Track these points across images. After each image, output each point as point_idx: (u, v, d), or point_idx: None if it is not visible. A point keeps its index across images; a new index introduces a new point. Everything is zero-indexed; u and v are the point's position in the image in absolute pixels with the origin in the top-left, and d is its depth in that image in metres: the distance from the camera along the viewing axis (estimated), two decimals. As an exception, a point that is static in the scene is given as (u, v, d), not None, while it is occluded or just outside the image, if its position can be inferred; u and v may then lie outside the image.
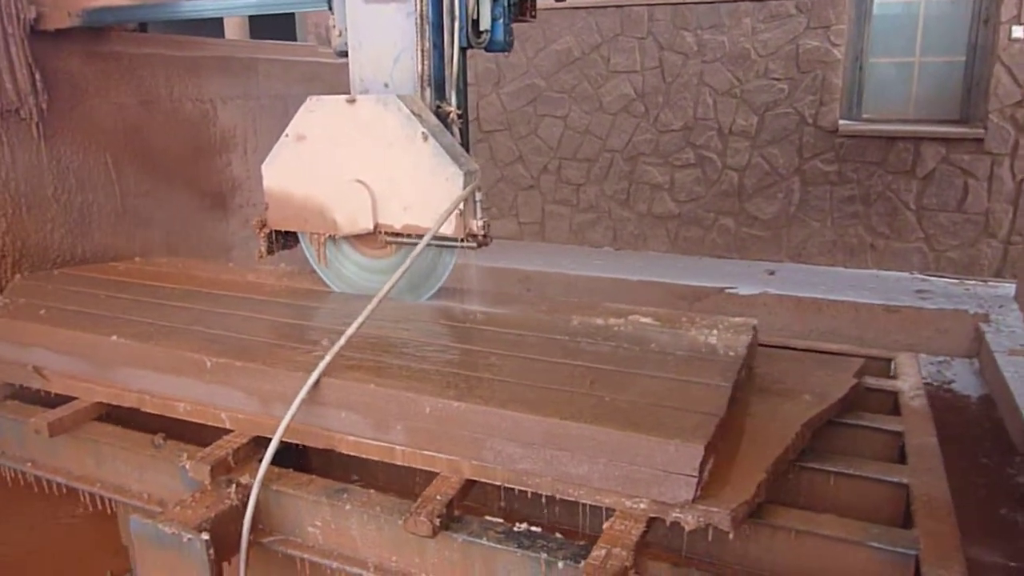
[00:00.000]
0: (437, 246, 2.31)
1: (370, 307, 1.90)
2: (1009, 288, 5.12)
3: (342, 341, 1.85)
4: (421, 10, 2.23)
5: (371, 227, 2.33)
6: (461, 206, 2.18)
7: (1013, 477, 3.23)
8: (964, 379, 4.37)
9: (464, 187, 2.17)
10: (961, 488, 3.21)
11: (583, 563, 1.41)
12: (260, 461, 1.91)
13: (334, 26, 2.49)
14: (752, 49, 5.75)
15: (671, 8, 5.90)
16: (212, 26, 6.57)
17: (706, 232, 6.15)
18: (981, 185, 5.36)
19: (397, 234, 2.33)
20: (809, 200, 5.79)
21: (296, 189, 2.44)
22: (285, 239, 2.60)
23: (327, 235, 2.46)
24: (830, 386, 2.10)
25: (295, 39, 7.20)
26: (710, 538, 1.56)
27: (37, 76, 3.34)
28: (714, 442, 1.54)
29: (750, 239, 6.02)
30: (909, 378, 2.42)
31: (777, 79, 5.72)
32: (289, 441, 1.89)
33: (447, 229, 2.19)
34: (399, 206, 2.29)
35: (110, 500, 2.12)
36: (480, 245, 2.25)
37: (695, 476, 1.47)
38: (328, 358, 1.81)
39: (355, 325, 1.88)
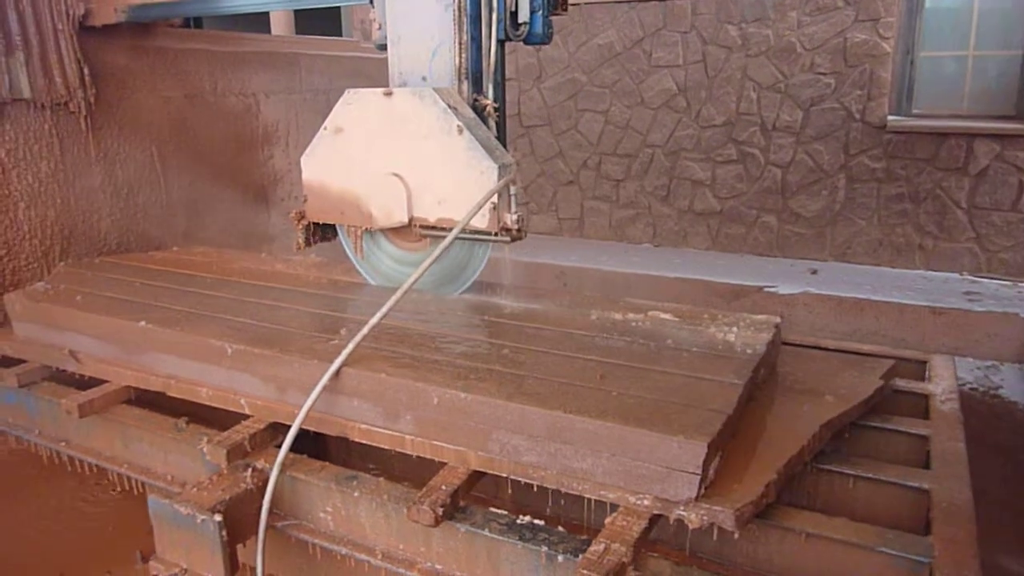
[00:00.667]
0: (470, 239, 2.31)
1: (393, 299, 1.92)
2: (1065, 291, 4.92)
3: (365, 331, 1.87)
4: (459, 2, 2.22)
5: (406, 220, 2.34)
6: (495, 199, 2.17)
7: (1057, 487, 3.10)
8: (1013, 385, 4.21)
9: (498, 181, 2.16)
10: (1002, 498, 3.12)
11: (581, 557, 1.41)
12: (277, 446, 1.96)
13: (375, 20, 2.50)
14: (798, 43, 5.62)
15: (715, 1, 5.80)
16: (258, 22, 6.71)
17: (748, 229, 6.04)
18: (1037, 184, 5.16)
19: (431, 227, 2.33)
20: (855, 198, 5.64)
21: (333, 181, 2.46)
22: (323, 231, 2.62)
23: (363, 228, 2.48)
24: (855, 387, 2.06)
25: (340, 34, 7.30)
26: (715, 537, 1.54)
27: (85, 71, 3.46)
28: (720, 440, 1.52)
29: (793, 237, 5.90)
30: (943, 381, 2.35)
31: (823, 73, 5.58)
32: (305, 428, 1.92)
33: (480, 222, 2.19)
34: (433, 199, 2.29)
35: (137, 480, 2.19)
36: (514, 239, 2.23)
37: (698, 474, 1.45)
38: (349, 348, 1.84)
39: (378, 316, 1.90)
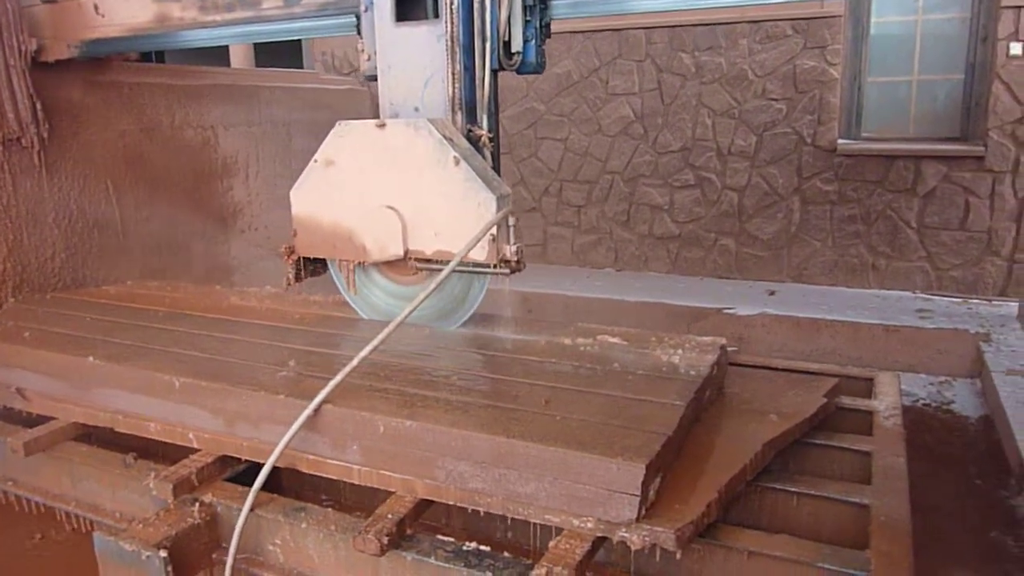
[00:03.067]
0: (468, 272, 2.26)
1: (384, 334, 1.92)
2: (1012, 307, 5.06)
3: (348, 369, 1.85)
4: (452, 32, 2.20)
5: (401, 253, 2.29)
6: (494, 231, 2.13)
7: (1006, 500, 3.18)
8: (964, 400, 4.31)
9: (496, 211, 2.12)
10: (954, 510, 3.18)
11: (523, 581, 1.42)
12: (226, 480, 1.95)
13: (363, 50, 2.46)
14: (749, 70, 5.77)
15: (668, 31, 5.95)
16: (218, 56, 6.72)
17: (707, 253, 6.15)
18: (983, 203, 5.32)
19: (428, 260, 2.28)
20: (809, 220, 5.78)
21: (325, 215, 2.40)
22: (313, 266, 2.55)
23: (356, 262, 2.42)
24: (799, 406, 2.10)
25: (301, 67, 7.33)
26: (657, 558, 1.57)
27: (38, 106, 3.45)
28: (660, 461, 1.54)
29: (751, 259, 6.01)
30: (887, 398, 2.41)
31: (775, 99, 5.74)
32: (254, 461, 1.92)
33: (479, 255, 2.14)
34: (430, 232, 2.24)
35: (85, 519, 2.16)
36: (513, 271, 2.18)
37: (638, 495, 1.47)
38: (330, 386, 1.80)
39: (366, 351, 1.89)
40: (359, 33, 2.49)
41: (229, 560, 1.72)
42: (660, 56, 6.03)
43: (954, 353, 4.64)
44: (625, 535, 1.49)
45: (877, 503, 1.77)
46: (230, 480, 1.95)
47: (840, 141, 5.63)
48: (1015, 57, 5.10)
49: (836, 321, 4.91)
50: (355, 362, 1.86)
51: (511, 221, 2.16)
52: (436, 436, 1.65)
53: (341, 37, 6.90)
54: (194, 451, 2.00)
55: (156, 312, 2.68)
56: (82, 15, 3.32)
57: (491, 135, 2.31)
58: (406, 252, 2.29)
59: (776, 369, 2.49)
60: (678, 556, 1.51)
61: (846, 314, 5.01)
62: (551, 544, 1.51)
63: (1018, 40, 5.09)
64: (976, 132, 5.37)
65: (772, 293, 5.60)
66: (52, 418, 2.27)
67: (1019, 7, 5.03)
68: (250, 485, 1.92)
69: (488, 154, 2.30)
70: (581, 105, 6.37)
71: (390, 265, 2.40)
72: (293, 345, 2.28)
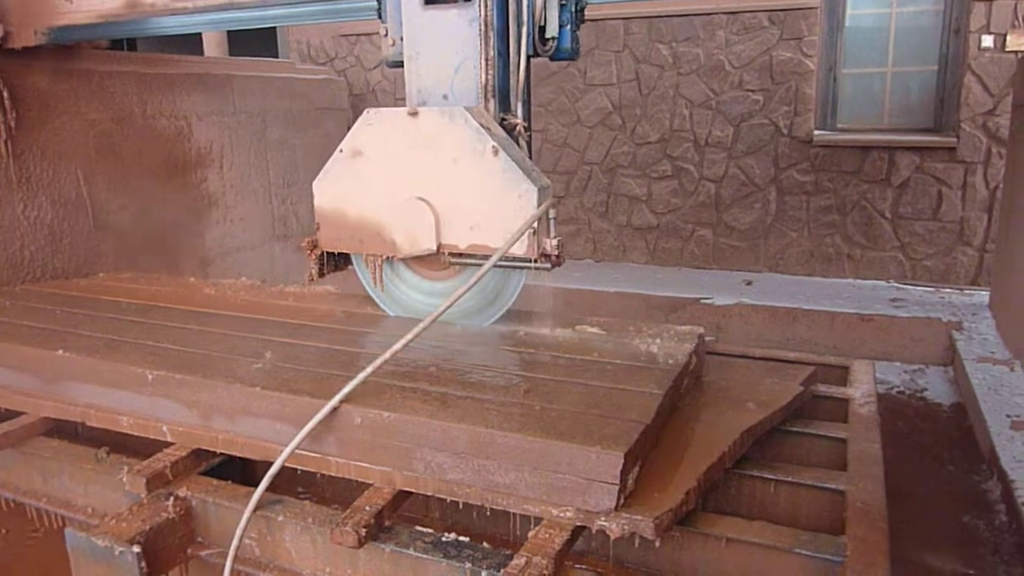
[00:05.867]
0: (507, 267, 2.17)
1: (415, 332, 1.83)
2: (983, 296, 5.13)
3: (370, 369, 1.80)
4: (485, 16, 2.09)
5: (434, 248, 2.18)
6: (535, 224, 2.03)
7: (978, 484, 3.23)
8: (937, 387, 4.38)
9: (538, 204, 2.03)
10: (926, 495, 3.23)
11: (502, 572, 1.41)
12: (201, 474, 1.93)
13: (386, 35, 2.36)
14: (727, 61, 5.79)
15: (646, 21, 5.95)
16: (192, 44, 6.62)
17: (684, 243, 6.17)
18: (955, 193, 5.39)
19: (462, 255, 2.18)
20: (786, 210, 5.82)
21: (351, 208, 2.29)
22: (337, 261, 2.44)
23: (384, 257, 2.32)
24: (776, 394, 2.11)
25: (276, 56, 7.25)
26: (636, 545, 1.57)
27: (5, 94, 3.38)
28: (638, 449, 1.54)
29: (728, 250, 6.04)
30: (862, 386, 2.43)
31: (752, 90, 5.76)
32: (229, 454, 1.90)
33: (519, 249, 2.05)
34: (465, 225, 2.14)
35: (57, 515, 2.12)
36: (554, 266, 2.10)
37: (617, 484, 1.47)
38: (353, 384, 1.72)
39: (392, 350, 1.80)
40: (380, 17, 2.38)
41: (228, 564, 1.67)
42: (638, 47, 6.03)
43: (927, 341, 4.70)
44: (604, 524, 1.49)
45: (853, 489, 1.78)
46: (205, 474, 1.93)
47: (816, 132, 5.67)
48: (987, 49, 5.16)
49: (812, 310, 4.95)
50: (378, 362, 1.76)
51: (551, 214, 2.07)
52: (414, 427, 1.64)
53: (316, 26, 6.84)
54: (168, 445, 1.97)
55: (128, 304, 2.64)
56: (50, 1, 3.25)
57: (526, 124, 2.22)
58: (439, 246, 2.18)
59: (753, 358, 2.50)
60: (657, 544, 1.51)
61: (822, 303, 5.06)
62: (530, 534, 1.51)
63: (989, 33, 5.15)
64: (949, 123, 5.43)
65: (749, 283, 5.64)
66: (21, 413, 2.23)
67: (991, 0, 5.08)
68: (225, 479, 1.90)
69: (524, 144, 2.20)
70: (559, 96, 6.36)
71: (418, 260, 2.30)
72: (269, 337, 2.25)
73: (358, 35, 6.90)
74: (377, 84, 6.95)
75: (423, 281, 2.36)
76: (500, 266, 2.10)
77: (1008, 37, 5.05)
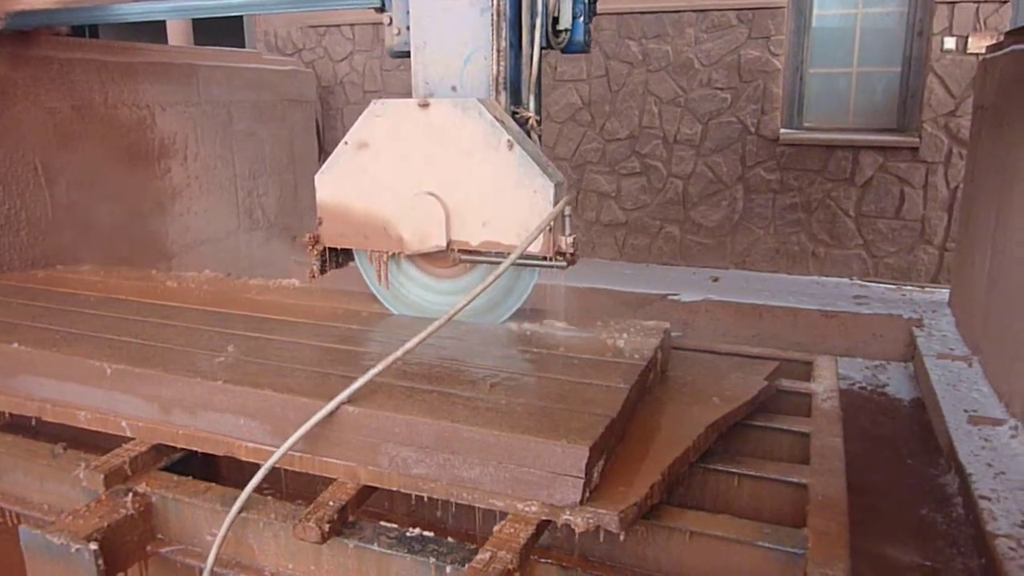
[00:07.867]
0: (520, 265, 2.11)
1: (427, 332, 1.80)
2: (944, 293, 5.24)
3: (380, 366, 1.77)
4: (498, 6, 2.03)
5: (443, 244, 2.11)
6: (552, 222, 1.99)
7: (936, 478, 3.29)
8: (898, 383, 4.46)
9: (554, 200, 1.97)
10: (886, 489, 3.29)
11: (466, 566, 1.41)
12: (161, 469, 1.89)
13: (391, 23, 2.30)
14: (696, 59, 5.83)
15: (616, 17, 5.96)
16: (155, 32, 6.49)
17: (652, 240, 6.21)
18: (917, 192, 5.49)
19: (473, 252, 2.12)
20: (752, 208, 5.88)
21: (356, 202, 2.21)
22: (339, 257, 2.37)
23: (390, 253, 2.25)
24: (740, 389, 2.13)
25: (243, 46, 7.14)
26: (601, 539, 1.57)
27: (-41, 80, 3.28)
28: (603, 443, 1.55)
29: (695, 246, 6.09)
30: (825, 381, 2.46)
31: (720, 88, 5.81)
32: (190, 449, 1.87)
33: (534, 247, 1.99)
34: (477, 221, 2.07)
35: (11, 512, 2.07)
36: (569, 264, 2.06)
37: (582, 477, 1.47)
38: (355, 386, 1.67)
39: (401, 351, 1.77)
40: (383, 7, 2.33)
41: (207, 567, 1.63)
42: (608, 43, 6.05)
43: (888, 338, 4.79)
44: (569, 518, 1.49)
45: (814, 482, 1.81)
46: (165, 469, 1.89)
47: (782, 130, 5.74)
48: (949, 51, 5.26)
49: (777, 307, 5.01)
50: (382, 366, 1.72)
51: (567, 211, 2.02)
52: (379, 422, 1.62)
53: (284, 15, 6.75)
54: (127, 440, 1.93)
55: (87, 297, 2.58)
56: (6, -15, 3.17)
57: (538, 118, 2.17)
58: (449, 243, 2.12)
59: (719, 353, 2.53)
60: (621, 538, 1.52)
61: (787, 300, 5.12)
62: (496, 528, 1.50)
63: (952, 35, 5.25)
64: (911, 124, 5.53)
65: (716, 279, 5.69)
66: (-25, 408, 2.17)
67: (953, 3, 5.18)
68: (187, 475, 1.87)
69: (536, 137, 2.15)
70: (529, 91, 6.35)
71: (427, 257, 2.23)
72: (232, 330, 2.22)
73: (327, 26, 6.82)
74: (345, 76, 6.88)
75: (426, 278, 2.30)
76: (516, 264, 2.05)
77: (970, 39, 5.16)
